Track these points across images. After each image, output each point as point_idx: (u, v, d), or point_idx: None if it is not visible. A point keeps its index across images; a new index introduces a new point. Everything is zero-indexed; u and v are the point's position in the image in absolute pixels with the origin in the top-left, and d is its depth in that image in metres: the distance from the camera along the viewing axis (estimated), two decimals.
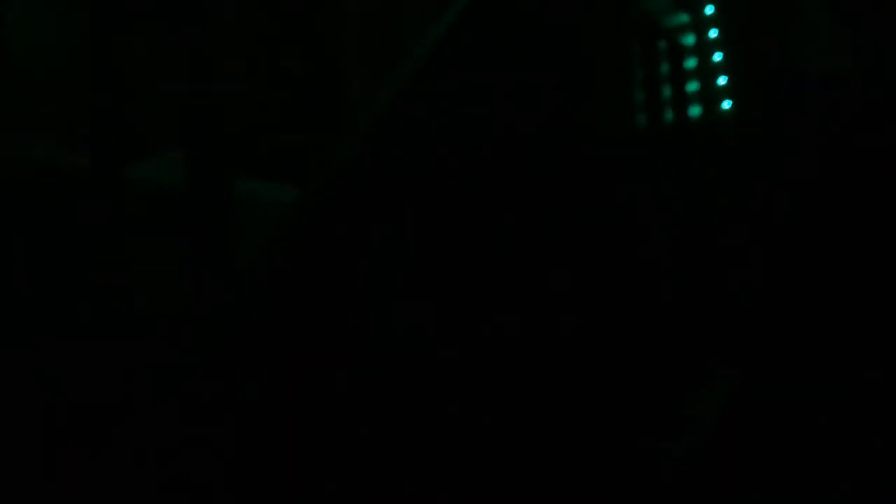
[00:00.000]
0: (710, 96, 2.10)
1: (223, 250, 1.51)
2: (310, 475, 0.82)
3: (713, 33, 2.16)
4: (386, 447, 0.95)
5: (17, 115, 1.44)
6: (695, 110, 2.08)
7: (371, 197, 0.96)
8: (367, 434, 0.93)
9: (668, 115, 1.95)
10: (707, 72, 2.13)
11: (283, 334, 0.84)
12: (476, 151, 1.21)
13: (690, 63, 2.11)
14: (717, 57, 2.15)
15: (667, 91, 1.96)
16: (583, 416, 1.23)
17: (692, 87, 2.10)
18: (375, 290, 0.92)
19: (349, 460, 0.89)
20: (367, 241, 0.93)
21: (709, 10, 2.18)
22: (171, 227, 1.55)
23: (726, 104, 2.11)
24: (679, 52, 2.07)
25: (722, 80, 2.13)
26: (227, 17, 1.58)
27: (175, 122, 3.22)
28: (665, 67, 1.97)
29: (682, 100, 2.04)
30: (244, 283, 0.81)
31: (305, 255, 0.85)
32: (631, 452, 1.31)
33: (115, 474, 0.92)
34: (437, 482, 0.99)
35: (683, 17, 2.11)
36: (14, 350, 1.18)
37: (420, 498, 0.98)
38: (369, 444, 0.93)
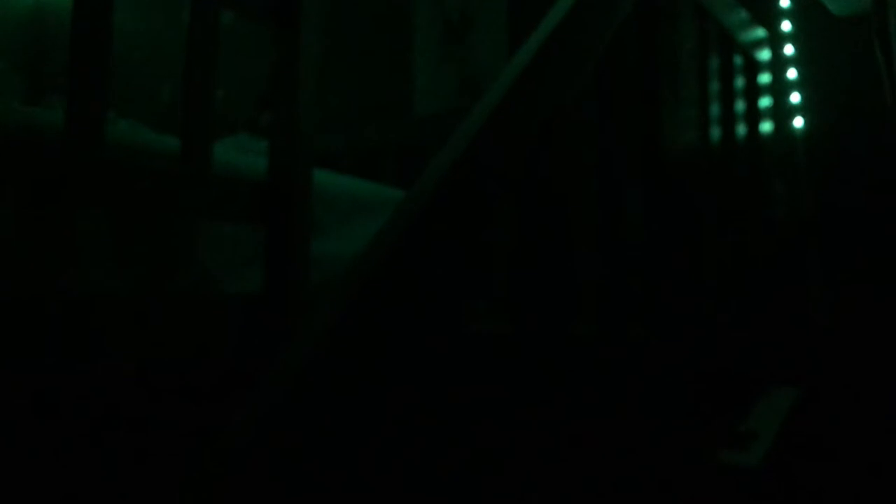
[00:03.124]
0: (783, 113, 2.09)
1: (301, 238, 1.54)
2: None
3: (789, 50, 2.15)
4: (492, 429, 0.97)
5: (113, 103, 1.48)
6: (766, 126, 2.08)
7: (474, 196, 0.98)
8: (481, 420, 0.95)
9: (742, 129, 1.95)
10: (781, 88, 2.12)
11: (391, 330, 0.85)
12: (565, 160, 1.23)
13: (764, 78, 2.10)
14: (792, 74, 2.14)
15: (740, 106, 1.95)
16: (660, 429, 1.25)
17: (765, 102, 2.09)
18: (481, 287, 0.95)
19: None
20: (473, 240, 0.94)
21: (786, 26, 2.17)
22: (249, 212, 1.59)
23: (799, 122, 2.10)
24: (754, 67, 2.06)
25: (795, 98, 2.12)
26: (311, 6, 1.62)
27: (244, 105, 3.30)
28: (740, 82, 1.97)
29: (754, 115, 2.03)
30: (354, 279, 0.83)
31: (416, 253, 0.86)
32: (706, 464, 1.33)
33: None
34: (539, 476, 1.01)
35: (760, 32, 2.10)
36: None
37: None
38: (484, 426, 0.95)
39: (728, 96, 1.88)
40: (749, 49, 2.04)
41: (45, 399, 1.03)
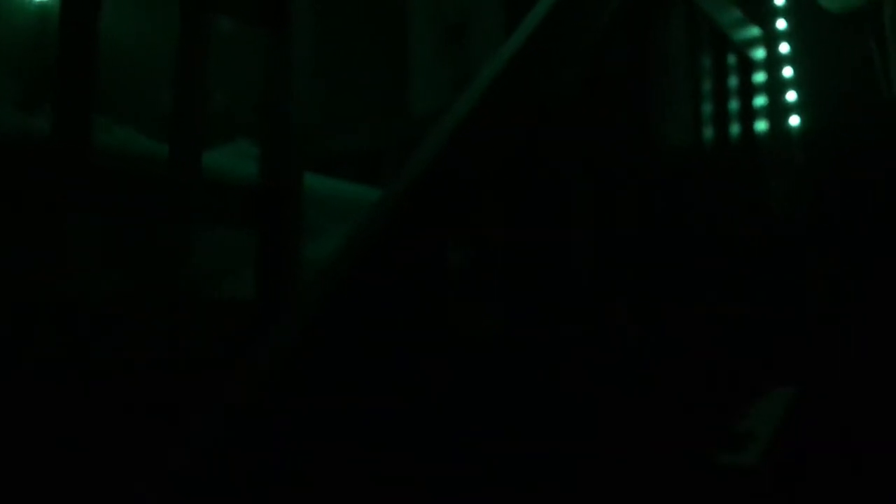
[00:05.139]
0: (779, 111, 2.08)
1: (293, 242, 1.54)
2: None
3: (784, 48, 2.14)
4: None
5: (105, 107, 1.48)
6: (761, 125, 2.07)
7: (450, 200, 0.98)
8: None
9: (736, 128, 1.94)
10: (776, 87, 2.11)
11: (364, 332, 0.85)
12: (550, 158, 1.23)
13: (759, 77, 2.09)
14: (787, 72, 2.13)
15: (734, 105, 1.94)
16: (651, 431, 1.24)
17: (760, 101, 2.08)
18: (455, 290, 0.95)
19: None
20: (446, 245, 0.94)
21: (781, 24, 2.16)
22: (241, 218, 1.59)
23: (795, 120, 2.09)
24: (748, 66, 2.06)
25: (791, 96, 2.11)
26: (304, 10, 1.62)
27: (243, 111, 3.32)
28: (734, 81, 1.96)
29: (749, 114, 2.02)
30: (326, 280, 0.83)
31: (386, 255, 0.87)
32: (703, 465, 1.32)
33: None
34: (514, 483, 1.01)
35: (754, 31, 2.09)
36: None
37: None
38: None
39: (722, 95, 1.87)
40: (743, 48, 2.03)
41: (35, 402, 1.04)
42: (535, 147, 1.11)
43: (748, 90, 2.03)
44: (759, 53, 2.12)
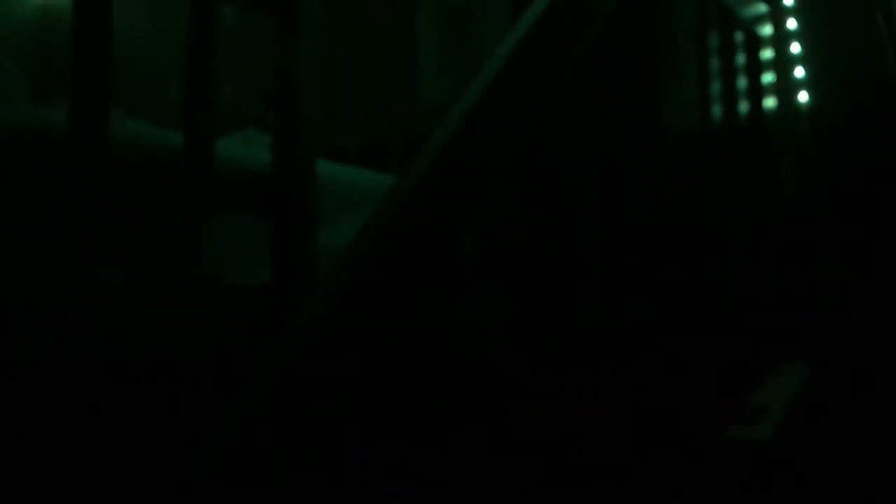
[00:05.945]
0: (787, 88, 2.08)
1: (307, 229, 1.56)
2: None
3: (792, 24, 2.13)
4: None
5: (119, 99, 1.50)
6: (770, 102, 2.06)
7: (462, 187, 0.99)
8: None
9: (744, 106, 1.94)
10: (784, 63, 2.10)
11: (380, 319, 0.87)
12: (560, 140, 1.24)
13: (767, 54, 2.09)
14: (795, 48, 2.12)
15: (743, 82, 1.94)
16: (670, 405, 1.26)
17: (768, 78, 2.07)
18: (469, 276, 0.96)
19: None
20: (460, 231, 0.96)
21: (788, 0, 2.15)
22: (255, 206, 1.60)
23: (803, 96, 2.09)
24: (756, 43, 2.05)
25: (799, 72, 2.10)
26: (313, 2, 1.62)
27: (253, 100, 3.33)
28: (741, 58, 1.96)
29: (758, 91, 2.02)
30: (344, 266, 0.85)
31: (402, 241, 0.88)
32: (716, 439, 1.34)
33: None
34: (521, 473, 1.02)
35: (762, 7, 2.08)
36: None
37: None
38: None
39: (730, 73, 1.87)
40: (751, 24, 2.03)
41: (59, 392, 1.06)
42: (545, 133, 1.12)
43: (756, 67, 2.02)
44: (767, 30, 2.11)
